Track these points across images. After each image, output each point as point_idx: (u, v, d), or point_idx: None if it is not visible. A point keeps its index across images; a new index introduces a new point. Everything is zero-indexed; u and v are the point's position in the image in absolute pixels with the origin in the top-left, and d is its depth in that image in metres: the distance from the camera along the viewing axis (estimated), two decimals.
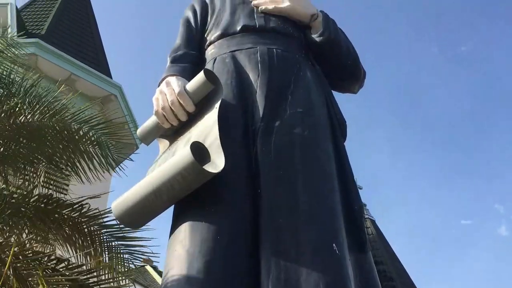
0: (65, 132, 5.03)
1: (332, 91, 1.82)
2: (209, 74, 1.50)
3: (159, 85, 1.64)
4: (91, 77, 11.10)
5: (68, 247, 4.77)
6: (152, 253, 4.83)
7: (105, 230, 4.90)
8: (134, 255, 4.95)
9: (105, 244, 4.88)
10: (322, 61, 1.80)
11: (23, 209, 4.34)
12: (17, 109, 4.80)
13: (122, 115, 11.91)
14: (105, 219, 4.94)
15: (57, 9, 12.93)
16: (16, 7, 11.30)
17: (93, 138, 5.26)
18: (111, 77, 12.41)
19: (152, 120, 1.59)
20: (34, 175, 5.14)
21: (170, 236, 1.37)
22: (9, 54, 5.42)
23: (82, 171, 5.35)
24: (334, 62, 1.81)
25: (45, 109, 4.92)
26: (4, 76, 5.09)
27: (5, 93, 4.93)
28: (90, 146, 5.31)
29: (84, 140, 5.20)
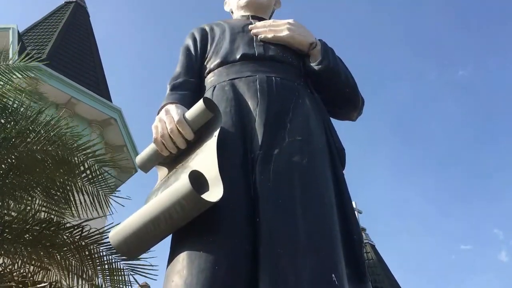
0: (64, 161, 5.03)
1: (331, 118, 1.83)
2: (209, 103, 1.51)
3: (158, 113, 1.65)
4: (91, 100, 11.15)
5: (68, 273, 4.74)
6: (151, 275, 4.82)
7: (105, 248, 4.88)
8: (136, 272, 4.93)
9: (106, 266, 4.86)
10: (321, 89, 1.82)
11: (24, 235, 4.32)
12: (19, 136, 4.82)
13: (121, 138, 11.95)
14: (105, 239, 4.94)
15: (59, 33, 13.07)
16: (18, 31, 11.42)
17: (88, 172, 5.26)
18: (111, 100, 12.47)
19: (151, 147, 1.59)
20: (33, 202, 5.12)
21: (168, 266, 1.36)
22: (14, 81, 5.47)
23: (78, 204, 5.35)
24: (333, 90, 1.82)
25: (47, 136, 4.94)
26: (7, 105, 5.13)
27: (10, 121, 4.96)
28: (86, 182, 5.33)
29: (82, 170, 5.21)
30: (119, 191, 5.91)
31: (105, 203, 5.50)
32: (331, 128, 1.73)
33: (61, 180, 4.98)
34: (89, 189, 5.35)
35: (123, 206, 5.46)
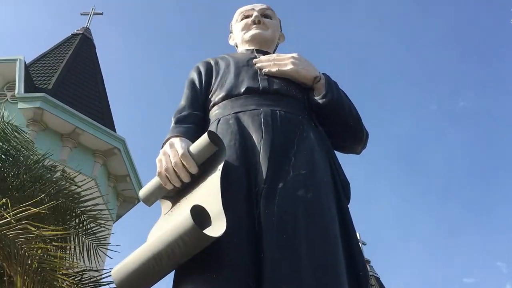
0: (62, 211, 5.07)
1: (335, 151, 1.82)
2: (213, 136, 1.50)
3: (162, 146, 1.64)
4: (95, 130, 11.22)
5: None
6: None
7: None
8: None
9: None
10: (325, 122, 1.82)
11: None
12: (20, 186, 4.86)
13: (124, 168, 11.96)
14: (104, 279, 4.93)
15: (65, 64, 13.26)
16: (25, 62, 11.59)
17: (85, 223, 5.30)
18: (115, 130, 12.54)
19: (154, 181, 1.59)
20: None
21: None
22: (12, 139, 5.55)
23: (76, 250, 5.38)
24: (337, 123, 1.82)
25: (46, 187, 4.99)
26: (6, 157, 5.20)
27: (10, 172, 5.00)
28: (84, 235, 5.37)
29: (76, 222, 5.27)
30: (109, 243, 6.04)
31: (97, 253, 5.55)
32: (336, 161, 1.73)
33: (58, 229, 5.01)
34: (84, 241, 5.41)
35: (111, 258, 5.57)
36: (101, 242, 5.68)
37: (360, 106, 1.94)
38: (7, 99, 11.44)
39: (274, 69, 1.85)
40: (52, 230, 4.48)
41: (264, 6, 2.23)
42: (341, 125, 1.82)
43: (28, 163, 5.23)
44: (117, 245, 5.61)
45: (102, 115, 12.51)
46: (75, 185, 5.85)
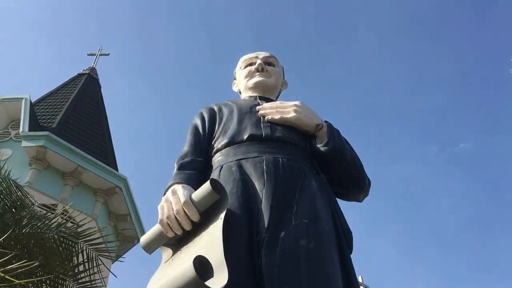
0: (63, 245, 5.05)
1: (337, 199, 1.82)
2: (215, 184, 1.51)
3: (165, 193, 1.65)
4: (97, 169, 11.22)
5: None
6: None
7: None
8: None
9: None
10: (327, 170, 1.82)
11: None
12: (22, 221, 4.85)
13: (125, 207, 11.89)
14: None
15: (70, 103, 13.43)
16: (31, 101, 11.73)
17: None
18: (117, 169, 12.55)
19: (156, 228, 1.58)
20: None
21: None
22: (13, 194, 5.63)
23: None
24: (339, 171, 1.83)
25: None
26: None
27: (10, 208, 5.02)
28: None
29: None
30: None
31: None
32: (338, 210, 1.72)
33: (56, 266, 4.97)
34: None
35: None
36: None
37: (360, 148, 1.96)
38: (11, 137, 11.52)
39: (277, 117, 1.87)
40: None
41: (267, 54, 2.29)
42: (343, 173, 1.83)
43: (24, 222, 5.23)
44: None
45: (105, 153, 12.55)
46: (76, 225, 5.79)
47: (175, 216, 1.51)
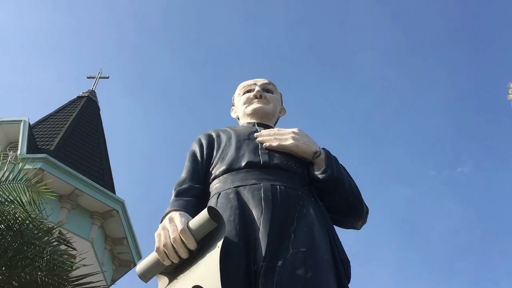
0: None
1: (335, 226, 1.81)
2: (213, 212, 1.50)
3: (162, 220, 1.64)
4: (95, 192, 11.16)
5: None
6: None
7: None
8: None
9: None
10: (325, 197, 1.82)
11: None
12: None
13: (122, 230, 11.78)
14: None
15: (69, 125, 13.45)
16: (29, 123, 11.75)
17: None
18: (114, 192, 12.49)
19: (152, 256, 1.57)
20: None
21: None
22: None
23: None
24: (337, 199, 1.82)
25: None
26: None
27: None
28: None
29: None
30: None
31: None
32: (336, 238, 1.71)
33: None
34: None
35: None
36: None
37: (357, 177, 1.96)
38: (9, 160, 11.49)
39: (274, 144, 1.88)
40: None
41: (265, 81, 2.30)
42: (341, 201, 1.82)
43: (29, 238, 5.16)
44: None
45: (103, 176, 12.52)
46: (72, 248, 5.70)
47: (172, 244, 1.50)
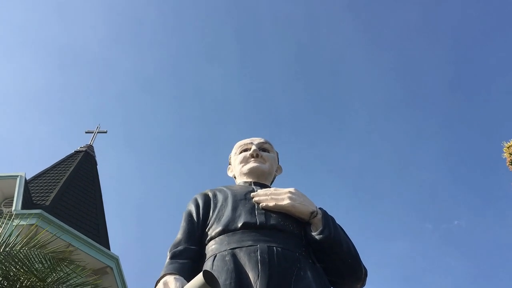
0: None
1: None
2: (208, 276, 1.47)
3: (156, 284, 1.61)
4: (89, 248, 10.95)
5: None
6: None
7: None
8: None
9: None
10: (323, 259, 1.79)
11: None
12: None
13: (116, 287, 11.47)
14: None
15: (65, 180, 13.38)
16: (25, 179, 11.70)
17: None
18: (109, 247, 12.26)
19: None
20: None
21: None
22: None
23: None
24: (335, 260, 1.79)
25: None
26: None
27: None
28: None
29: None
30: None
31: None
32: None
33: None
34: None
35: None
36: None
37: (353, 233, 1.93)
38: (3, 216, 11.36)
39: (271, 204, 1.87)
40: None
41: (262, 140, 2.33)
42: (338, 262, 1.79)
43: None
44: None
45: (98, 232, 12.33)
46: None
47: None
